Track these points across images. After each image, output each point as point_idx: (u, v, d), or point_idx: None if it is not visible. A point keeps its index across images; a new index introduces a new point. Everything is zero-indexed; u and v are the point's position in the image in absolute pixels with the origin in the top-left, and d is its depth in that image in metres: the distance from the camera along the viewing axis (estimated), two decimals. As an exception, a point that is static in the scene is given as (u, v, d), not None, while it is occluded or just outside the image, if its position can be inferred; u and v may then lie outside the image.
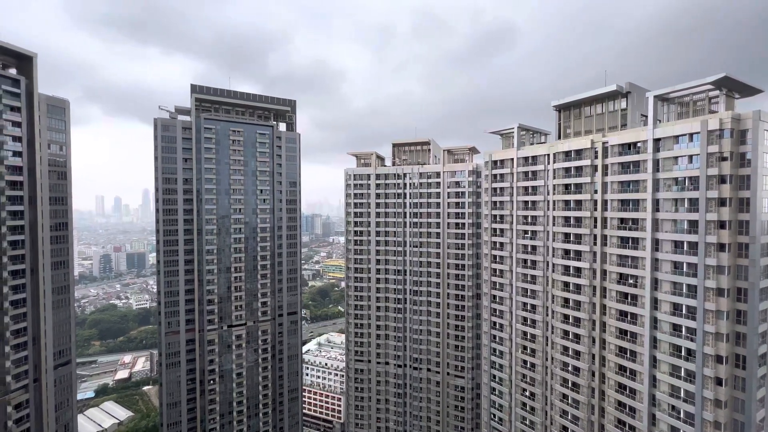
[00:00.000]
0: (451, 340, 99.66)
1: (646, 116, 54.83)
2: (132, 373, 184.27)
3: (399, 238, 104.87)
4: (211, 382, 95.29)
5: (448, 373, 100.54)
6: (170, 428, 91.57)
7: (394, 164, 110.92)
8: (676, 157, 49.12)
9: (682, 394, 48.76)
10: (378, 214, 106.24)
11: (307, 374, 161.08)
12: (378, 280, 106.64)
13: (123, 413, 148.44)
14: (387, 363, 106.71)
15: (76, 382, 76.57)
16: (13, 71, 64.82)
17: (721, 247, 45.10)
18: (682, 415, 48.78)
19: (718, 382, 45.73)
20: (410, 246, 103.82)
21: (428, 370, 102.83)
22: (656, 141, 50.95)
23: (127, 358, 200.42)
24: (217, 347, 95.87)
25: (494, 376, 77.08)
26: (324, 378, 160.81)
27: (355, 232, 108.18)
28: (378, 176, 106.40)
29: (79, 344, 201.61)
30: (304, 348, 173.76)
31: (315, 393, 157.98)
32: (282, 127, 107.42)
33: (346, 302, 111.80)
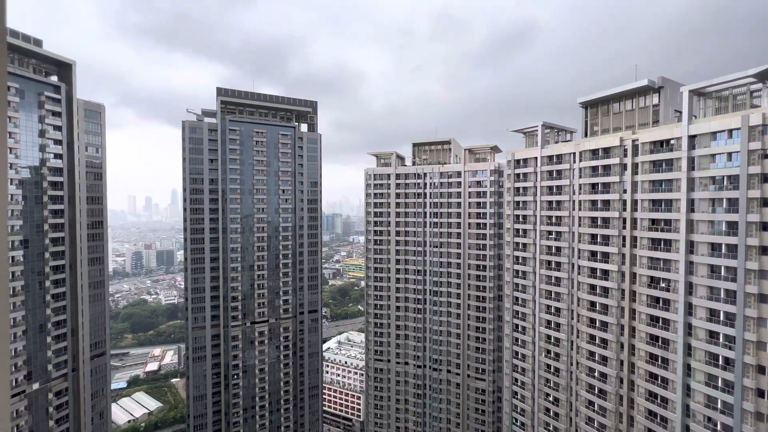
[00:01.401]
0: (472, 341, 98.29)
1: (680, 112, 52.19)
2: (161, 366, 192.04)
3: (419, 238, 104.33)
4: (235, 377, 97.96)
5: (468, 375, 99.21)
6: (196, 420, 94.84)
7: (414, 164, 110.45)
8: (713, 155, 46.54)
9: (719, 405, 46.15)
10: (398, 214, 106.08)
11: (327, 372, 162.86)
12: (398, 280, 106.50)
13: (153, 404, 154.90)
14: (406, 363, 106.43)
15: (110, 372, 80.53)
16: (54, 78, 68.86)
17: (763, 250, 42.37)
18: (719, 428, 46.18)
19: (760, 393, 43.00)
20: (430, 246, 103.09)
21: (448, 371, 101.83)
22: (691, 138, 48.43)
23: (157, 351, 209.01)
24: (241, 343, 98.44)
25: (516, 380, 75.45)
26: (344, 376, 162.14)
27: (375, 231, 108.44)
28: (398, 176, 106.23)
29: (112, 337, 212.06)
30: (324, 346, 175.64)
31: (335, 390, 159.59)
32: (303, 128, 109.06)
33: (365, 301, 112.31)
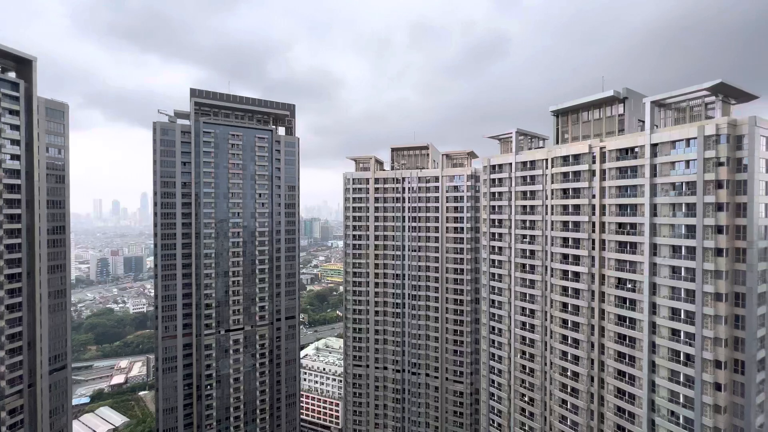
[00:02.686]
0: (450, 345, 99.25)
1: (643, 122, 55.19)
2: (128, 378, 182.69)
3: (398, 242, 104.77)
4: (208, 387, 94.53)
5: (446, 378, 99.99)
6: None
7: (393, 168, 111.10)
8: (673, 162, 49.39)
9: (681, 400, 48.62)
10: (377, 218, 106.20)
11: (304, 379, 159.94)
12: (377, 284, 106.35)
13: (118, 419, 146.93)
14: (385, 368, 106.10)
15: (71, 387, 75.82)
16: (12, 75, 64.90)
17: (718, 252, 45.23)
18: (681, 421, 48.59)
19: (717, 387, 45.62)
20: (409, 250, 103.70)
21: (427, 375, 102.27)
22: (653, 146, 51.23)
23: (124, 362, 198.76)
24: (215, 352, 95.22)
25: (493, 381, 76.69)
26: (322, 383, 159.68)
27: (354, 236, 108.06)
28: (377, 180, 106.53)
29: (74, 349, 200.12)
30: (302, 353, 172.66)
31: (313, 398, 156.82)
32: (281, 131, 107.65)
33: (344, 306, 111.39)
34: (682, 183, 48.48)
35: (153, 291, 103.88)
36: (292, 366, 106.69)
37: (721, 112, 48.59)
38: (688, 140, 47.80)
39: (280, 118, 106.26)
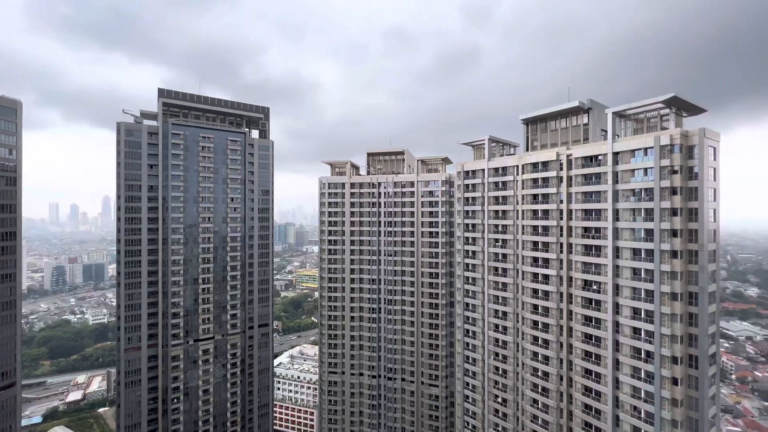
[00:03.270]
0: (426, 348, 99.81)
1: (606, 131, 58.26)
2: (86, 395, 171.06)
3: (373, 247, 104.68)
4: (175, 400, 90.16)
5: (422, 383, 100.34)
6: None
7: (368, 173, 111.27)
8: (633, 170, 52.35)
9: (642, 395, 51.13)
10: (353, 223, 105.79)
11: (278, 388, 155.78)
12: (352, 290, 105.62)
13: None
14: (361, 374, 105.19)
15: (21, 406, 70.10)
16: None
17: (674, 254, 48.22)
18: (642, 415, 51.05)
19: (675, 381, 48.34)
20: (384, 255, 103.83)
21: (402, 380, 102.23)
22: (615, 154, 54.14)
23: (81, 378, 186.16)
24: (182, 363, 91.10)
25: (467, 384, 77.70)
26: (296, 392, 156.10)
27: (329, 241, 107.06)
28: (353, 185, 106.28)
29: (25, 364, 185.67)
30: (276, 361, 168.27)
31: (287, 408, 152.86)
32: (255, 134, 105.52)
33: (319, 312, 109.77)
34: (641, 189, 51.45)
35: (115, 300, 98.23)
36: (265, 375, 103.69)
37: (674, 123, 52.13)
38: (645, 149, 50.89)
39: (254, 121, 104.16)
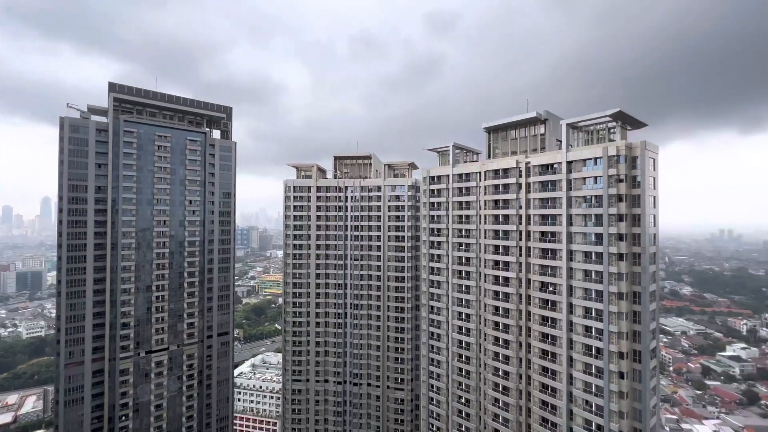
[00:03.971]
0: (392, 352, 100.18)
1: (561, 141, 61.99)
2: (18, 417, 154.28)
3: (340, 252, 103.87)
4: (123, 418, 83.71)
5: (388, 387, 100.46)
6: (68, 477, 78.04)
7: (335, 177, 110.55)
8: (584, 178, 56.06)
9: (593, 389, 54.45)
10: (319, 227, 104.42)
11: (239, 399, 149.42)
12: (318, 295, 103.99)
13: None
14: (326, 381, 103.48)
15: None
16: None
17: (620, 256, 52.06)
18: (593, 408, 54.33)
19: (621, 375, 51.97)
20: (351, 259, 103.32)
21: (368, 384, 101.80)
22: (569, 163, 57.71)
23: (12, 398, 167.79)
24: (132, 377, 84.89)
25: (432, 386, 78.81)
26: (258, 402, 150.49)
27: (295, 245, 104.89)
28: (319, 188, 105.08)
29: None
30: (237, 371, 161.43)
31: (248, 419, 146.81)
32: (216, 134, 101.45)
33: (283, 319, 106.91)
34: (591, 196, 55.16)
35: (55, 311, 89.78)
36: (224, 386, 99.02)
37: (620, 136, 56.53)
38: (595, 159, 54.71)
39: (215, 121, 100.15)
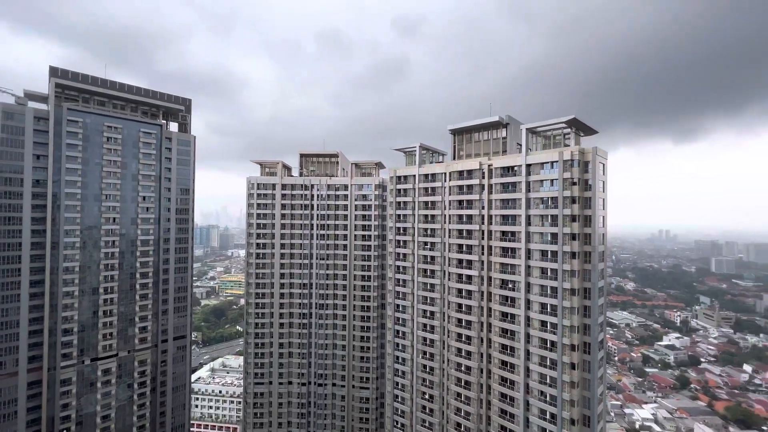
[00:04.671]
0: (357, 352, 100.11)
1: (521, 145, 64.91)
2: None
3: (305, 251, 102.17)
4: (65, 431, 77.15)
5: (353, 386, 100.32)
6: (-3, 501, 70.82)
7: (301, 175, 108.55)
8: (541, 181, 59.11)
9: (548, 380, 57.66)
10: (283, 226, 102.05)
11: (196, 406, 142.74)
12: (282, 295, 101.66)
13: None
14: (290, 383, 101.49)
15: None
16: None
17: (573, 255, 55.46)
18: (548, 398, 57.54)
19: (572, 366, 55.43)
20: (317, 258, 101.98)
21: (333, 385, 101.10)
22: (528, 166, 60.60)
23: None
24: (75, 387, 78.46)
25: (397, 384, 79.73)
26: (218, 408, 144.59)
27: (258, 244, 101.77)
28: (284, 186, 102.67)
29: None
30: (194, 376, 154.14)
31: (206, 426, 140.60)
32: (173, 127, 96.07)
33: (245, 320, 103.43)
34: (548, 198, 58.29)
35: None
36: (180, 393, 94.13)
37: (574, 141, 60.20)
38: (552, 163, 57.86)
39: (173, 113, 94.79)
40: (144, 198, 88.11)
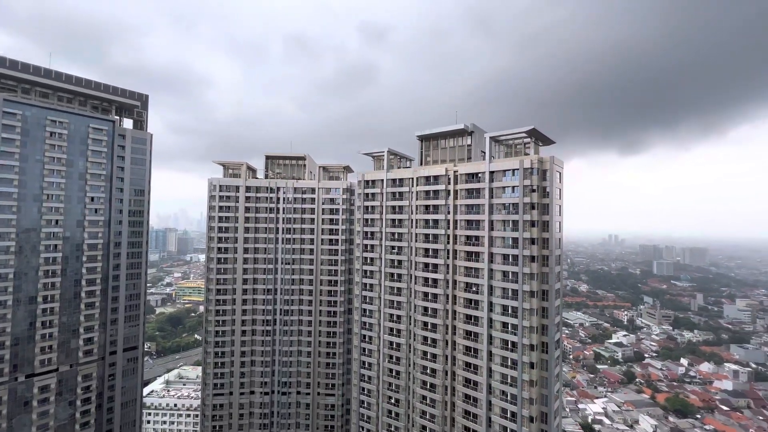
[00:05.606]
0: (323, 358, 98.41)
1: (485, 152, 67.39)
2: None
3: (270, 255, 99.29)
4: (-8, 457, 69.32)
5: (318, 393, 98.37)
6: None
7: (267, 177, 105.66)
8: (504, 187, 61.63)
9: (509, 380, 59.76)
10: (247, 230, 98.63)
11: (148, 422, 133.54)
12: (245, 301, 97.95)
13: None
14: (252, 392, 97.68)
15: None
16: None
17: (532, 258, 58.16)
18: (509, 398, 59.60)
19: (531, 365, 57.87)
20: (282, 263, 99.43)
21: (298, 393, 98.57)
22: (491, 173, 62.97)
23: None
24: (6, 407, 70.84)
25: (363, 389, 79.19)
26: (173, 422, 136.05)
27: (219, 249, 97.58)
28: (248, 188, 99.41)
29: None
30: (147, 389, 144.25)
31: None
32: (128, 124, 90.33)
33: (204, 328, 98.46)
34: (509, 204, 60.82)
35: None
36: (130, 408, 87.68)
37: (534, 150, 63.41)
38: (513, 170, 60.54)
39: (128, 108, 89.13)
40: (93, 198, 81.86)
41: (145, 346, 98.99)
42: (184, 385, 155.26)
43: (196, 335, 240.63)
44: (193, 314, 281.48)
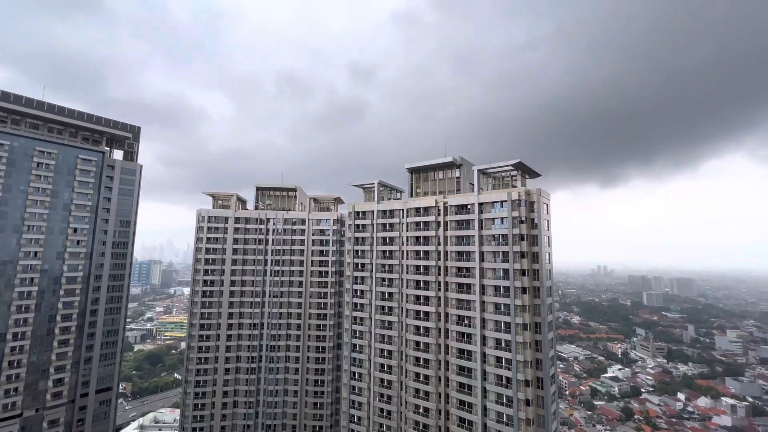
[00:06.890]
0: (310, 398, 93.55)
1: (473, 184, 68.70)
2: None
3: (258, 288, 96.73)
4: None
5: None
6: None
7: (257, 208, 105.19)
8: (493, 219, 62.33)
9: (504, 419, 57.29)
10: (235, 261, 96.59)
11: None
12: (229, 337, 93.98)
13: None
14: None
15: None
16: None
17: (523, 290, 57.81)
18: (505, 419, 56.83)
19: (527, 402, 55.84)
20: (270, 296, 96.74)
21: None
22: (480, 205, 63.88)
23: None
24: (-40, 458, 64.61)
25: (353, 431, 74.80)
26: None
27: (206, 281, 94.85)
28: (238, 219, 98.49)
29: None
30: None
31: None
32: (118, 155, 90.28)
33: (185, 367, 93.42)
34: (499, 235, 61.26)
35: None
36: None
37: (521, 183, 64.91)
38: (501, 202, 61.54)
39: (119, 140, 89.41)
40: (75, 230, 79.88)
41: (120, 387, 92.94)
42: (160, 430, 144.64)
43: (176, 374, 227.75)
44: (174, 351, 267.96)
